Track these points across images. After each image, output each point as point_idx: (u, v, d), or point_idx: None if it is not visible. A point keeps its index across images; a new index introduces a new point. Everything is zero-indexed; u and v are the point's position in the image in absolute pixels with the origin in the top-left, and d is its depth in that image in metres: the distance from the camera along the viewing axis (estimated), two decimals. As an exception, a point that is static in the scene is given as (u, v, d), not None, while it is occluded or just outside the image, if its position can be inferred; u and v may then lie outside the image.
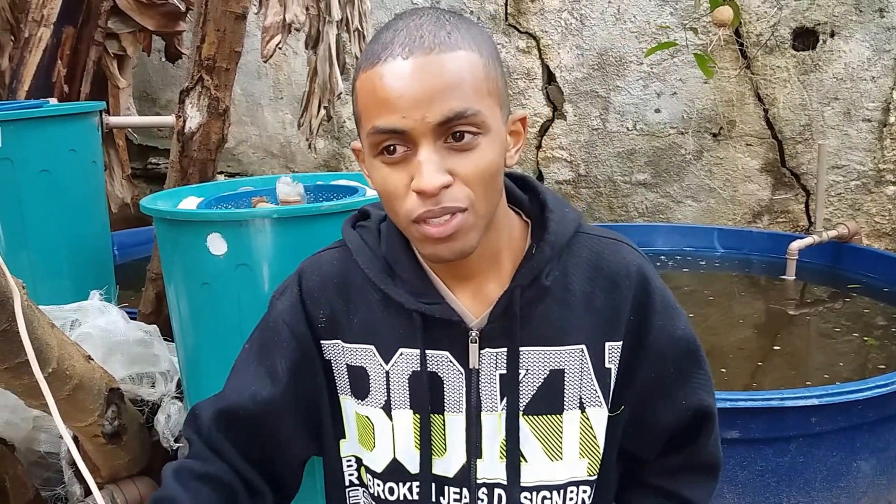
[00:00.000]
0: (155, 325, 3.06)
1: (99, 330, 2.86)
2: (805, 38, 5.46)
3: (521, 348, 1.52)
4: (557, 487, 1.56)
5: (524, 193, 1.61)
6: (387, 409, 1.58)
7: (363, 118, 1.40)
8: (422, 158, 1.33)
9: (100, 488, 2.83)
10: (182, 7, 5.54)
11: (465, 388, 1.54)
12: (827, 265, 5.05)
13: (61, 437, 2.85)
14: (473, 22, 1.46)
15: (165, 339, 3.03)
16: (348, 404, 1.63)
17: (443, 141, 1.34)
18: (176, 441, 2.83)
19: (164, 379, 2.92)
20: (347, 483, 1.69)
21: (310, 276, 1.63)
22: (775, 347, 4.06)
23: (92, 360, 2.48)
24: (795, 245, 4.81)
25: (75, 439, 2.72)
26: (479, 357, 1.53)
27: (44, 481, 2.94)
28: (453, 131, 1.34)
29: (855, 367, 3.66)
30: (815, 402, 2.80)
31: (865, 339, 4.04)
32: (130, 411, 2.71)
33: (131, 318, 3.09)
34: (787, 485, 2.93)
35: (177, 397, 2.91)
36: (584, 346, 1.53)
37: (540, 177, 6.21)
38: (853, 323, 4.19)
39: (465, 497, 1.57)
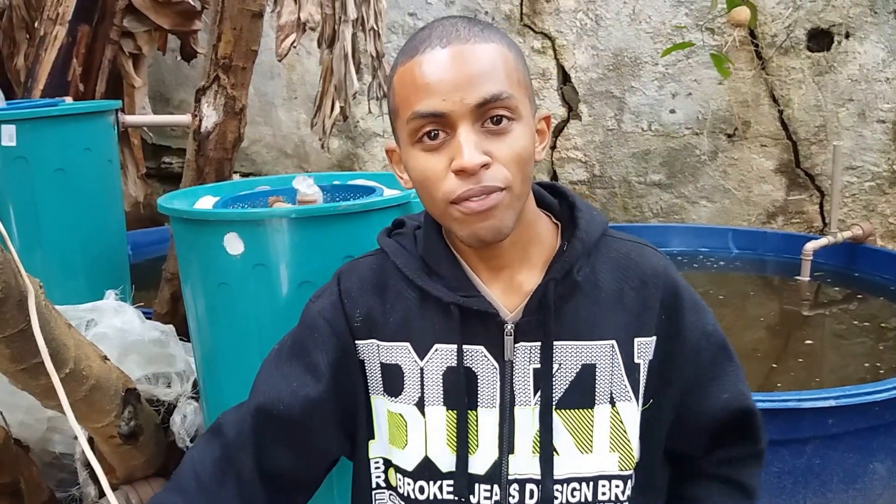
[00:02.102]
0: (171, 325, 3.06)
1: (115, 330, 2.86)
2: (820, 39, 5.44)
3: (554, 342, 1.54)
4: (587, 480, 1.57)
5: (554, 198, 1.66)
6: (420, 405, 1.59)
7: (402, 108, 1.46)
8: (461, 139, 1.39)
9: (115, 489, 2.84)
10: (197, 6, 5.54)
11: (498, 383, 1.56)
12: (841, 266, 5.02)
13: (76, 438, 2.85)
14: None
15: (181, 340, 3.03)
16: (380, 403, 1.64)
17: (480, 124, 1.41)
18: (191, 441, 2.82)
19: (179, 379, 2.91)
20: (374, 485, 1.69)
21: (348, 277, 1.67)
22: (790, 348, 4.04)
23: (108, 360, 2.47)
24: (810, 246, 4.79)
25: (91, 440, 2.72)
26: (514, 350, 1.55)
27: (58, 482, 2.94)
28: (490, 115, 1.41)
29: (869, 368, 3.64)
30: (833, 403, 2.78)
31: (883, 324, 4.03)
32: (147, 412, 2.71)
33: (147, 318, 3.08)
34: (803, 486, 2.91)
35: (193, 397, 2.91)
36: (614, 342, 1.56)
37: (554, 177, 6.22)
38: (868, 324, 4.17)
39: (496, 494, 1.57)
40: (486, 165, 1.38)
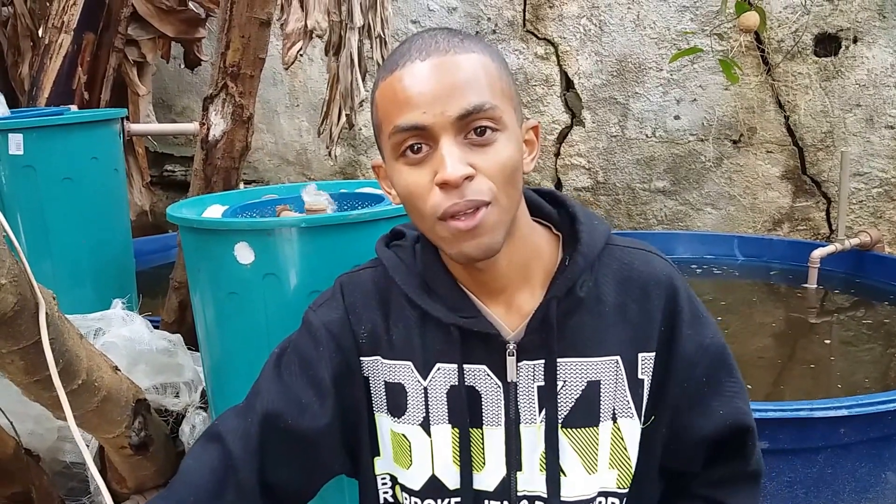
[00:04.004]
0: (179, 335, 3.04)
1: (123, 339, 2.84)
2: (827, 44, 5.45)
3: (558, 360, 1.52)
4: (590, 500, 1.55)
5: (553, 208, 1.63)
6: (425, 425, 1.58)
7: (384, 123, 1.44)
8: (444, 151, 1.37)
9: (125, 499, 2.83)
10: (202, 13, 5.55)
11: (503, 402, 1.54)
12: (849, 273, 5.01)
13: (87, 446, 2.85)
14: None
15: (189, 349, 3.01)
16: (384, 422, 1.62)
17: (463, 136, 1.39)
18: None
19: (188, 389, 2.90)
20: (382, 501, 1.67)
21: (351, 291, 1.64)
22: (797, 356, 4.03)
23: (119, 370, 2.47)
24: (817, 253, 4.78)
25: (101, 450, 2.71)
26: (517, 369, 1.53)
27: (69, 491, 2.94)
28: (473, 126, 1.38)
29: (877, 376, 3.63)
30: (845, 412, 2.77)
31: (891, 332, 4.02)
32: (156, 422, 2.70)
33: (154, 328, 3.07)
34: (815, 496, 2.90)
35: (201, 407, 2.90)
36: (618, 357, 1.53)
37: (558, 184, 6.21)
38: (876, 331, 4.16)
39: None
40: (469, 178, 1.36)
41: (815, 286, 4.80)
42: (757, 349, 4.03)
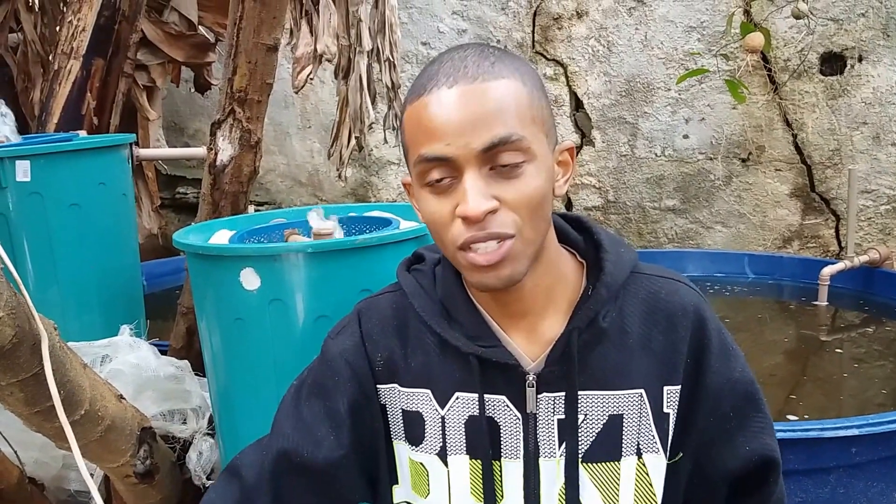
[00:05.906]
0: (186, 361, 3.03)
1: (130, 366, 2.83)
2: (833, 62, 5.45)
3: (579, 392, 1.49)
4: None
5: (579, 234, 1.60)
6: (442, 455, 1.55)
7: (410, 149, 1.42)
8: (467, 185, 1.34)
9: (132, 526, 2.82)
10: (211, 38, 5.55)
11: (522, 434, 1.51)
12: (859, 290, 4.99)
13: (91, 476, 2.84)
14: (517, 55, 1.46)
15: (197, 375, 3.00)
16: (402, 449, 1.60)
17: (488, 168, 1.35)
18: (208, 478, 2.80)
19: (195, 415, 2.88)
20: None
21: (369, 317, 1.62)
22: (808, 373, 4.01)
23: (124, 399, 2.45)
24: (827, 271, 4.76)
25: (106, 478, 2.70)
26: (537, 401, 1.50)
27: (74, 520, 2.93)
28: (499, 159, 1.34)
29: (888, 393, 3.61)
30: (856, 431, 2.75)
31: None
32: (162, 450, 2.68)
33: (162, 353, 3.06)
34: (827, 516, 2.89)
35: (209, 434, 2.88)
36: (642, 391, 1.50)
37: (569, 204, 6.20)
38: (887, 348, 4.14)
39: None
40: (493, 211, 1.34)
41: (826, 303, 4.79)
42: (768, 367, 4.01)
